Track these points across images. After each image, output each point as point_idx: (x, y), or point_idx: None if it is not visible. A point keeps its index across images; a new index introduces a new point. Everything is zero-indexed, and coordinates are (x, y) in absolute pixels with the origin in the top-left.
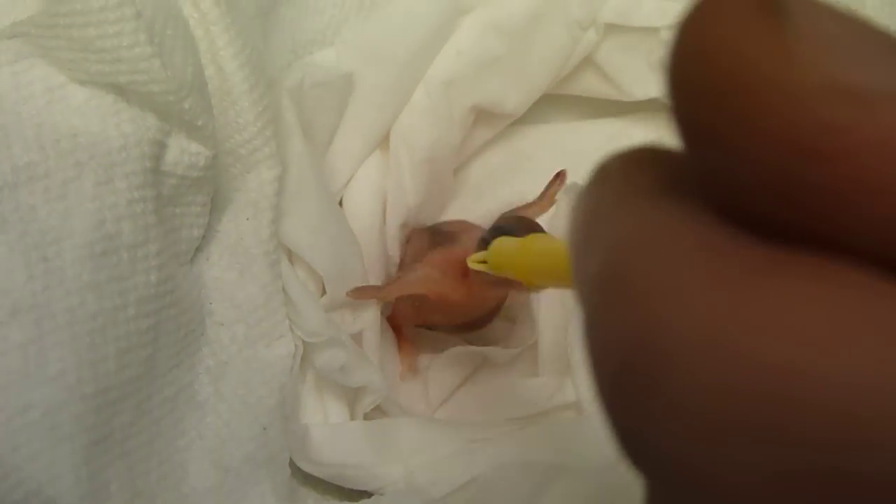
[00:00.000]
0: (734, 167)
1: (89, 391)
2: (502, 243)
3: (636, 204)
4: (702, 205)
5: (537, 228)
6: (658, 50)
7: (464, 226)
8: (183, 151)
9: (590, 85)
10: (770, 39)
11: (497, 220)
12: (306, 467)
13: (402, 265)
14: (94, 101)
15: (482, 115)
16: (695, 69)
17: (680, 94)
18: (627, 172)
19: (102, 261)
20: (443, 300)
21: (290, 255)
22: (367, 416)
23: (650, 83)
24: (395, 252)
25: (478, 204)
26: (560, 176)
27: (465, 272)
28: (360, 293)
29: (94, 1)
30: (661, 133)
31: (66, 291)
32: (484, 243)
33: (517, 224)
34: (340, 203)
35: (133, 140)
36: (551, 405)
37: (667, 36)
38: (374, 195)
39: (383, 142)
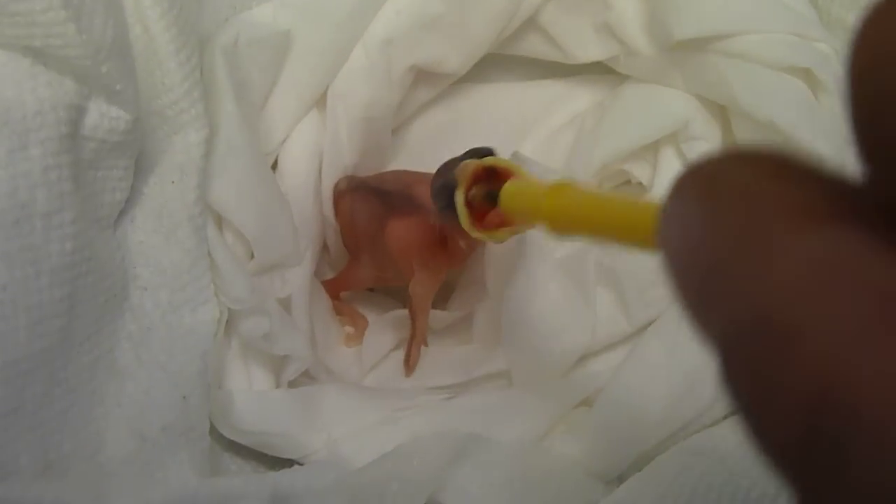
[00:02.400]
0: None
1: None
2: (520, 187)
3: (797, 233)
4: (875, 232)
5: (489, 152)
6: (602, 13)
7: (407, 179)
8: (102, 115)
9: (533, 46)
10: None
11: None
12: (229, 434)
13: (352, 232)
14: (10, 65)
15: (422, 75)
16: (878, 77)
17: (860, 103)
18: (764, 188)
19: (14, 230)
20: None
21: (219, 219)
22: (293, 383)
23: (594, 46)
24: (330, 212)
25: (417, 164)
26: None
27: (442, 236)
28: (413, 358)
29: None
30: (604, 96)
31: None
32: (442, 193)
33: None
34: (276, 162)
35: (49, 105)
36: (481, 373)
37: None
38: (310, 154)
39: (320, 101)
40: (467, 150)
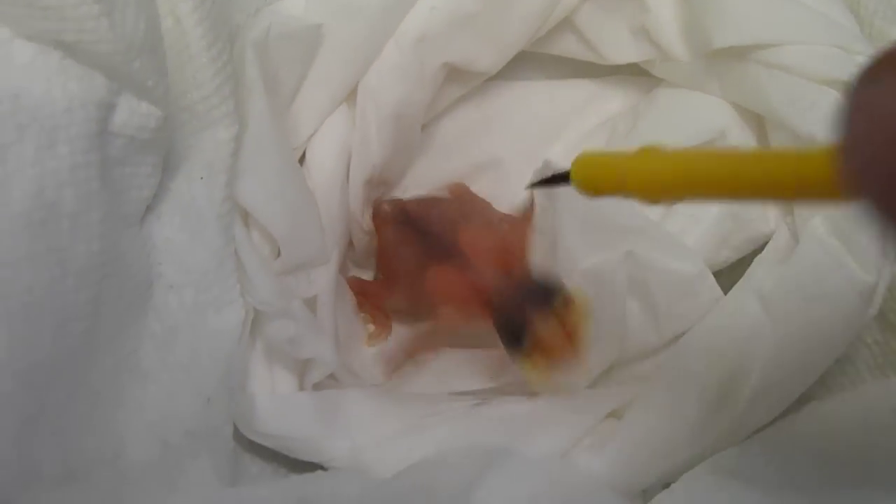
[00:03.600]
0: None
1: (21, 367)
2: (595, 159)
3: None
4: None
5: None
6: (639, 15)
7: (451, 215)
8: (132, 112)
9: (567, 46)
10: None
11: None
12: (251, 436)
13: (390, 264)
14: (40, 60)
15: (454, 73)
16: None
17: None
18: None
19: (41, 230)
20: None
21: (246, 217)
22: (317, 385)
23: (629, 48)
24: (357, 209)
25: (446, 162)
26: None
27: (484, 301)
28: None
29: None
30: (637, 98)
31: (1, 263)
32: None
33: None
34: (303, 157)
35: (79, 101)
36: (507, 380)
37: (648, 1)
38: (338, 150)
39: (350, 96)
40: (536, 280)
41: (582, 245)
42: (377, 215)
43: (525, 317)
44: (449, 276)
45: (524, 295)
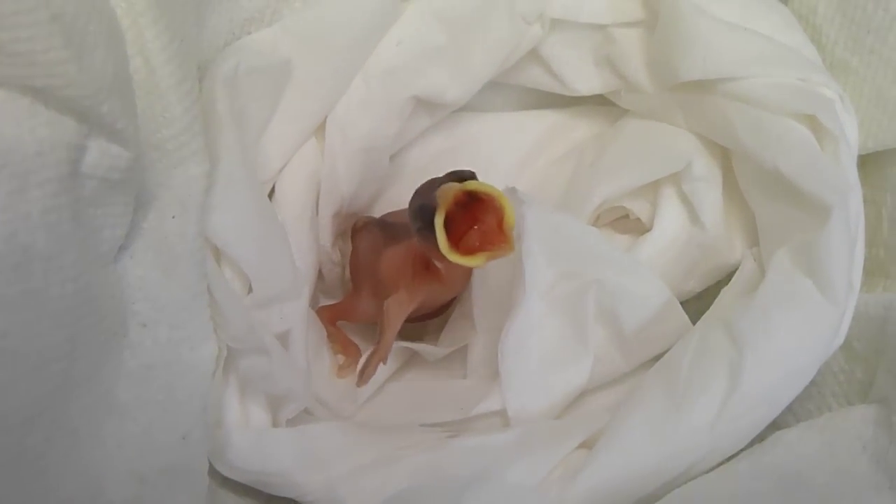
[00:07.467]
0: None
1: None
2: None
3: None
4: None
5: (471, 176)
6: (605, 47)
7: None
8: (103, 154)
9: (534, 77)
10: None
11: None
12: (226, 472)
13: (355, 258)
14: (9, 105)
15: (422, 105)
16: None
17: None
18: None
19: (14, 275)
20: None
21: (217, 252)
22: (290, 420)
23: (594, 79)
24: (326, 241)
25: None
26: None
27: (426, 258)
28: (367, 371)
29: (7, 4)
30: (602, 127)
31: None
32: (420, 214)
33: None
34: (273, 190)
35: (49, 145)
36: (477, 412)
37: (614, 33)
38: (307, 184)
39: (319, 130)
40: (448, 172)
41: (549, 272)
42: (353, 228)
43: (435, 198)
44: (398, 249)
45: (435, 183)
